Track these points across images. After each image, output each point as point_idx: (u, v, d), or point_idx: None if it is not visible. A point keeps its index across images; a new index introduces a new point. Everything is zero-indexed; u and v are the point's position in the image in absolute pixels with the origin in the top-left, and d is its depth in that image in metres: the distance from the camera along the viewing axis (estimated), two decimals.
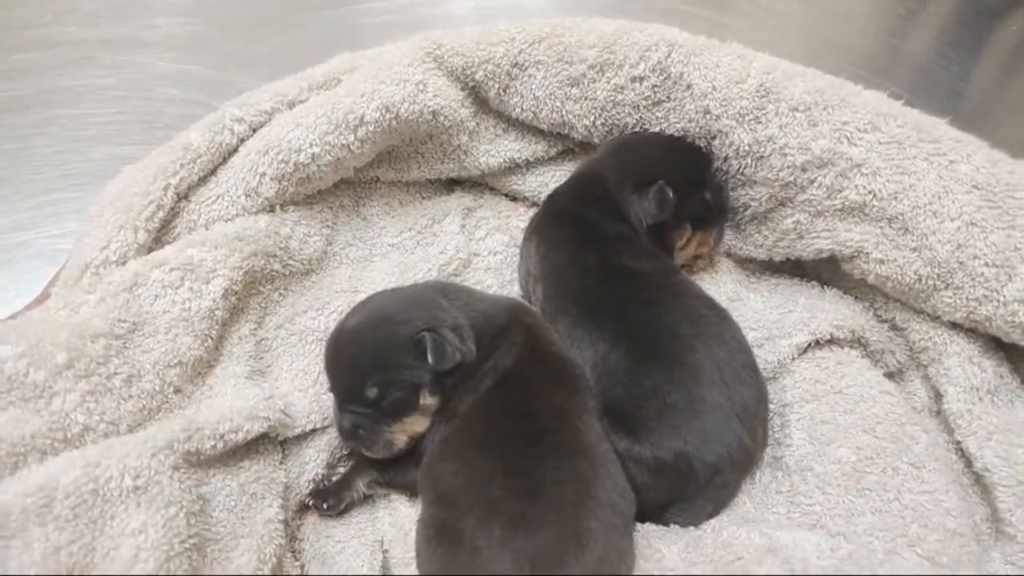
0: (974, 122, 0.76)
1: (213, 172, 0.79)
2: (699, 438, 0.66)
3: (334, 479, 0.75)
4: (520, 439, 0.62)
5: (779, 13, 1.46)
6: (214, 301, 0.72)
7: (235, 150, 0.80)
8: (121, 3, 1.45)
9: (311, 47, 1.36)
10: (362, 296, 0.83)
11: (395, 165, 0.91)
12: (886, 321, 0.80)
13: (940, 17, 1.46)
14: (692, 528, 0.66)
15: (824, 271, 0.84)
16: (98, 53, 1.35)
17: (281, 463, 0.74)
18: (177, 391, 0.70)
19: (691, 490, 0.67)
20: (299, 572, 0.69)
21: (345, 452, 0.77)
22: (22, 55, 1.33)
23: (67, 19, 1.42)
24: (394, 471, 0.73)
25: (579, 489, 0.59)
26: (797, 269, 0.87)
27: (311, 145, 0.78)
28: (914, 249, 0.70)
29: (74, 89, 1.28)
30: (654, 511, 0.68)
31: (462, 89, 0.87)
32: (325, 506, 0.72)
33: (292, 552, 0.70)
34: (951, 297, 0.70)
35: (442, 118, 0.84)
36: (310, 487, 0.75)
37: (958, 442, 0.71)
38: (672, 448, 0.66)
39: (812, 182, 0.73)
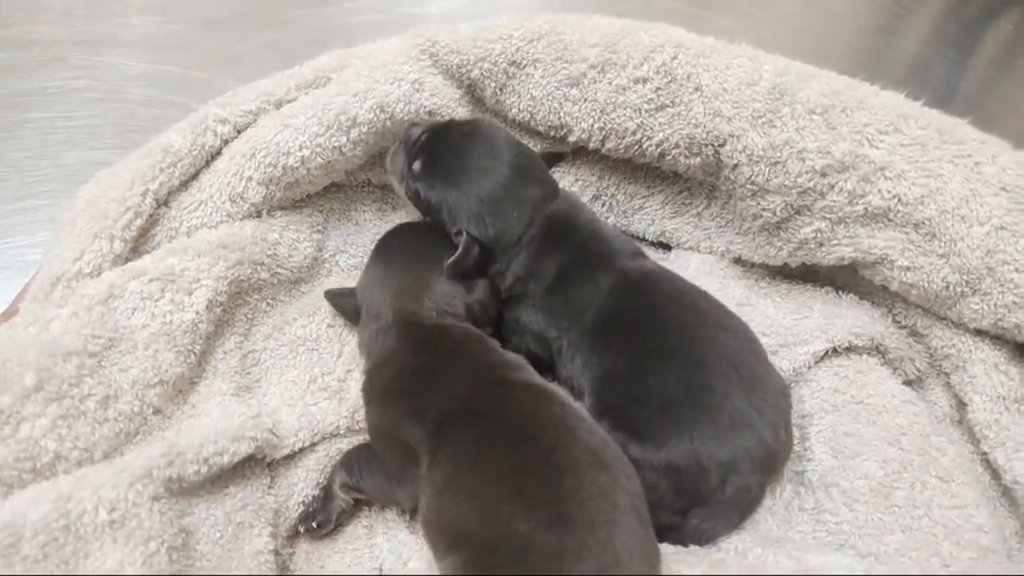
0: (971, 120, 0.74)
1: (195, 176, 0.74)
2: (708, 433, 0.62)
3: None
4: (529, 465, 0.57)
5: (775, 12, 1.45)
6: (197, 314, 0.67)
7: (218, 153, 0.75)
8: (96, 2, 1.39)
9: (295, 47, 1.31)
10: None
11: None
12: (905, 327, 0.77)
13: (936, 15, 1.45)
14: (713, 549, 0.62)
15: (839, 276, 0.81)
16: (71, 53, 1.29)
17: (270, 487, 0.69)
18: (157, 412, 0.65)
19: (706, 492, 0.62)
20: None
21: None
22: None
23: (39, 18, 1.36)
24: (360, 470, 0.67)
25: (604, 505, 0.54)
26: (810, 274, 0.83)
27: (301, 148, 0.73)
28: (942, 255, 0.68)
29: (45, 91, 1.22)
30: (672, 520, 0.64)
31: (458, 88, 0.83)
32: (315, 525, 0.67)
33: None
34: (978, 304, 0.68)
35: (439, 118, 0.80)
36: (300, 510, 0.70)
37: (984, 453, 0.69)
38: (678, 446, 0.62)
39: (832, 187, 0.70)
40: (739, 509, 0.64)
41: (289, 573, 0.66)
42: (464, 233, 0.71)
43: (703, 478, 0.62)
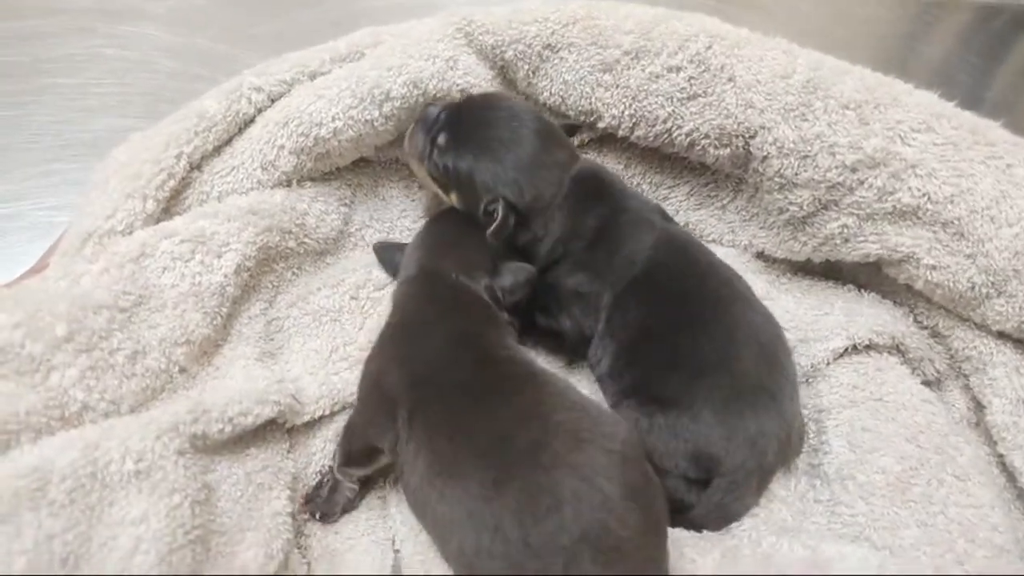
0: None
1: (228, 142, 0.75)
2: (736, 402, 0.63)
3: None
4: (513, 471, 0.54)
5: (801, 15, 1.45)
6: (225, 277, 0.68)
7: (252, 120, 0.76)
8: None
9: (322, 25, 1.33)
10: (380, 273, 0.80)
11: None
12: (927, 328, 0.78)
13: (963, 25, 1.45)
14: (727, 536, 0.62)
15: (861, 274, 0.81)
16: (100, 23, 1.30)
17: (288, 452, 0.69)
18: (183, 371, 0.66)
19: (722, 458, 0.63)
20: (306, 570, 0.65)
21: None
22: (20, 22, 1.28)
23: None
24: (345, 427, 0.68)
25: (594, 486, 0.52)
26: (832, 271, 0.84)
27: (333, 119, 0.74)
28: (968, 255, 0.68)
29: (74, 58, 1.23)
30: (686, 497, 0.65)
31: (491, 68, 0.84)
32: (318, 515, 0.67)
33: (299, 548, 0.66)
34: (1003, 306, 0.68)
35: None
36: (316, 479, 0.70)
37: (1000, 456, 0.69)
38: (704, 412, 0.63)
39: (862, 183, 0.70)
40: (759, 476, 0.64)
41: (303, 537, 0.67)
42: (500, 200, 0.71)
43: (725, 446, 0.62)
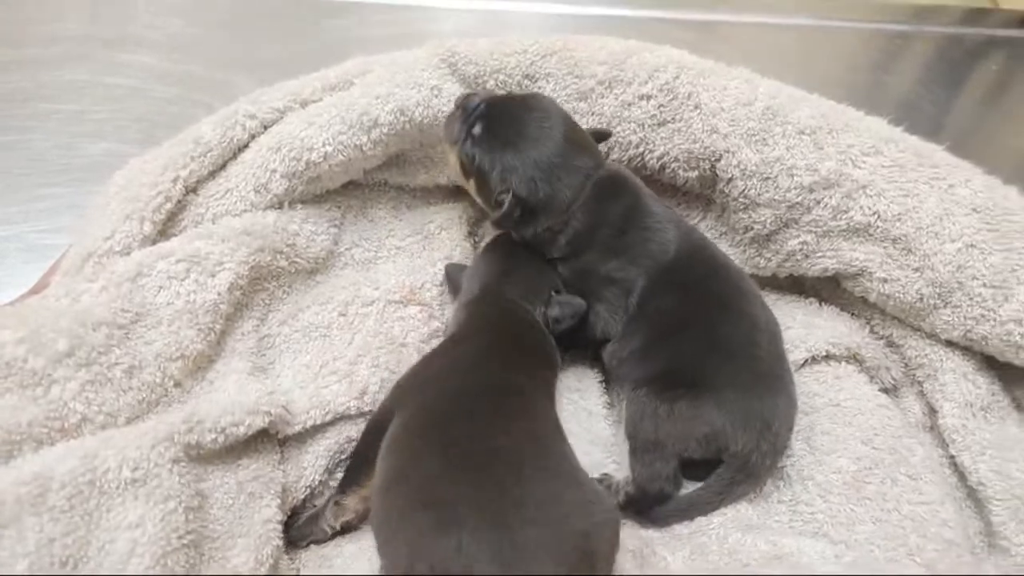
0: (955, 153, 0.79)
1: (222, 167, 0.79)
2: (755, 383, 0.68)
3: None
4: (422, 486, 0.55)
5: (771, 46, 1.52)
6: (219, 295, 0.72)
7: (246, 146, 0.80)
8: (124, 3, 1.45)
9: (316, 53, 1.37)
10: (368, 290, 0.83)
11: (403, 169, 0.91)
12: (882, 338, 0.82)
13: (925, 55, 1.53)
14: (697, 534, 0.66)
15: (823, 288, 0.87)
16: (100, 50, 1.34)
17: (280, 463, 0.72)
18: (177, 385, 0.69)
19: (746, 437, 0.67)
20: (295, 574, 0.67)
21: (344, 457, 0.76)
22: (22, 49, 1.32)
23: (69, 16, 1.40)
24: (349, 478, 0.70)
25: (568, 504, 0.54)
26: (796, 286, 0.89)
27: (324, 144, 0.78)
28: (916, 269, 0.73)
29: (74, 84, 1.26)
30: (663, 487, 0.69)
31: None
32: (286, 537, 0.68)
33: (288, 555, 0.69)
34: (949, 316, 0.73)
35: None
36: (307, 492, 0.73)
37: (952, 457, 0.73)
38: (729, 394, 0.68)
39: (818, 203, 0.76)
40: (771, 457, 0.69)
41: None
42: (510, 192, 0.75)
43: (743, 426, 0.67)
